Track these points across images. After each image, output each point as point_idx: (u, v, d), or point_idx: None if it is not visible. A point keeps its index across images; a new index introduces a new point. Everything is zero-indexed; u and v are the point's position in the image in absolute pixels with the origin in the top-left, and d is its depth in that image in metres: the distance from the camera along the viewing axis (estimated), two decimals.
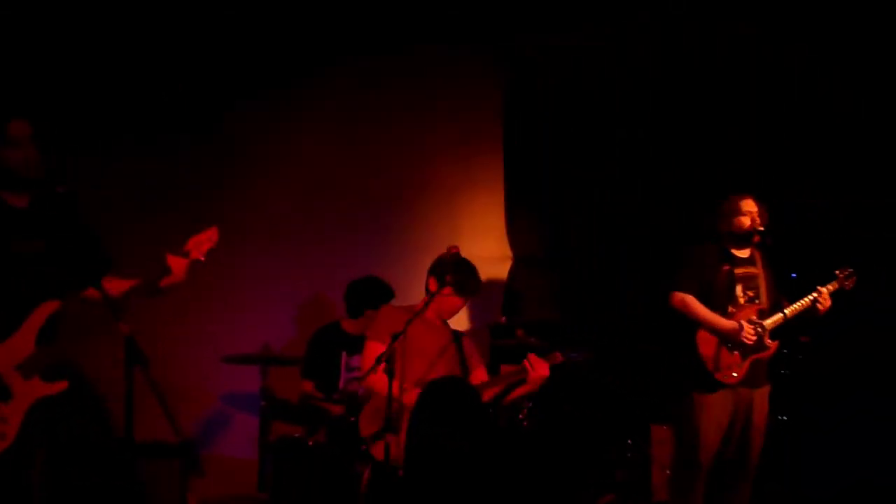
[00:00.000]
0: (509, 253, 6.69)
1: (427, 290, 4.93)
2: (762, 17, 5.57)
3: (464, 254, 4.86)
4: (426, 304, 4.72)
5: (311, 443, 4.99)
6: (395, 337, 4.45)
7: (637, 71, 5.87)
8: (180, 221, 4.46)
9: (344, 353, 5.47)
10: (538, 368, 4.72)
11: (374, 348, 4.71)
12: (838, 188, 5.37)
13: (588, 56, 5.94)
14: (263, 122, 6.19)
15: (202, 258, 3.87)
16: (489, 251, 6.47)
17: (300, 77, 6.25)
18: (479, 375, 4.96)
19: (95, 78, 5.65)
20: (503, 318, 6.43)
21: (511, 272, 6.69)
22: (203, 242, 3.87)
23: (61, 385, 3.78)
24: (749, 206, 5.15)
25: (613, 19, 5.88)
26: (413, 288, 5.24)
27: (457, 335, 5.02)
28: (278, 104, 6.24)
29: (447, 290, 4.70)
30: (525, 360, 4.72)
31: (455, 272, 4.73)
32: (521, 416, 5.17)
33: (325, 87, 6.35)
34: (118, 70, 5.71)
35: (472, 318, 6.50)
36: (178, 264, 3.84)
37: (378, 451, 4.51)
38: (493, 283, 6.53)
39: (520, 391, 4.83)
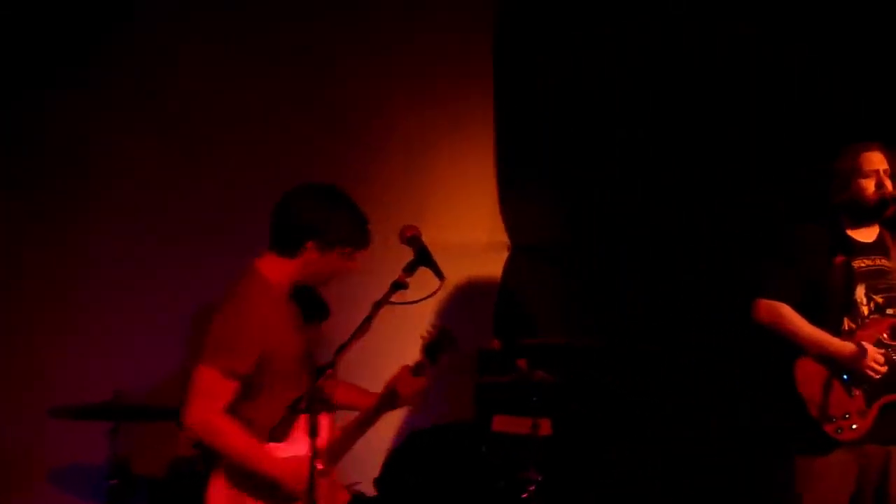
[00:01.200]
0: (505, 239, 6.60)
1: (295, 252, 4.40)
2: (762, 17, 6.04)
3: (440, 239, 4.53)
4: (383, 300, 4.16)
5: None
6: (321, 369, 4.00)
7: (637, 70, 6.37)
8: None
9: None
10: (406, 386, 4.40)
11: (214, 381, 4.19)
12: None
13: (588, 56, 6.46)
14: (120, 49, 6.10)
15: None
16: (476, 236, 6.44)
17: None
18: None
19: None
20: (496, 343, 6.15)
21: (507, 267, 6.60)
22: None
23: None
24: (876, 160, 4.80)
25: (613, 19, 6.39)
26: (366, 297, 4.39)
27: None
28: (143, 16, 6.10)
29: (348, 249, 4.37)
30: (392, 382, 4.39)
31: (348, 216, 4.40)
32: (524, 496, 5.14)
33: None
34: None
35: None
36: None
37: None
38: (482, 287, 6.43)
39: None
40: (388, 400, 4.44)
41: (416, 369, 4.44)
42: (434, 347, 4.44)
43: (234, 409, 4.12)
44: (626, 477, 6.00)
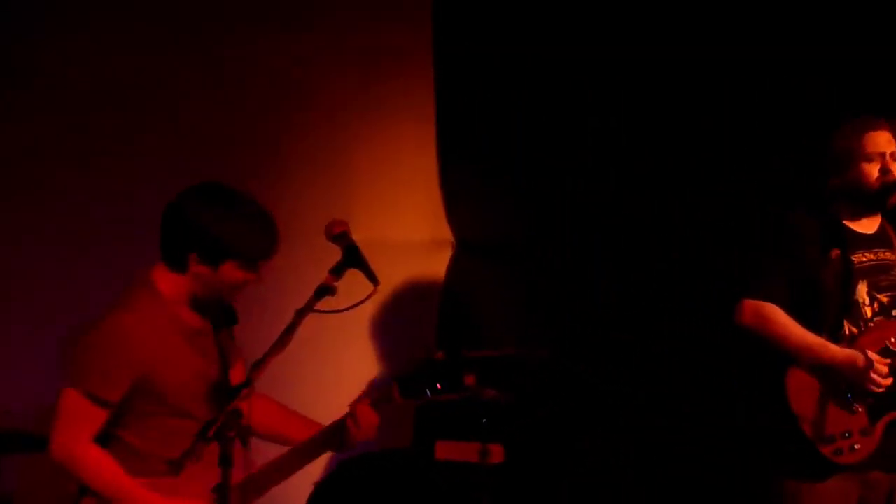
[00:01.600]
0: (449, 237, 6.51)
1: (180, 267, 4.29)
2: (736, 7, 6.23)
3: (373, 236, 4.51)
4: (307, 308, 4.06)
5: None
6: (236, 389, 3.84)
7: (609, 59, 6.50)
8: None
9: None
10: (365, 423, 4.30)
11: (79, 406, 4.09)
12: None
13: (560, 44, 6.56)
14: None
15: None
16: (416, 233, 6.40)
17: None
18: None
19: None
20: (440, 354, 5.92)
21: (452, 268, 6.50)
22: None
23: None
24: (882, 142, 4.64)
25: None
26: (290, 304, 4.30)
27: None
28: None
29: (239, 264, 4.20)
30: (348, 416, 4.30)
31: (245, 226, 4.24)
32: None
33: None
34: None
35: (386, 356, 6.36)
36: None
37: None
38: (422, 291, 6.40)
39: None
40: (333, 437, 4.30)
41: (378, 400, 4.32)
42: (418, 380, 4.31)
43: (115, 436, 4.02)
44: (599, 469, 6.06)
